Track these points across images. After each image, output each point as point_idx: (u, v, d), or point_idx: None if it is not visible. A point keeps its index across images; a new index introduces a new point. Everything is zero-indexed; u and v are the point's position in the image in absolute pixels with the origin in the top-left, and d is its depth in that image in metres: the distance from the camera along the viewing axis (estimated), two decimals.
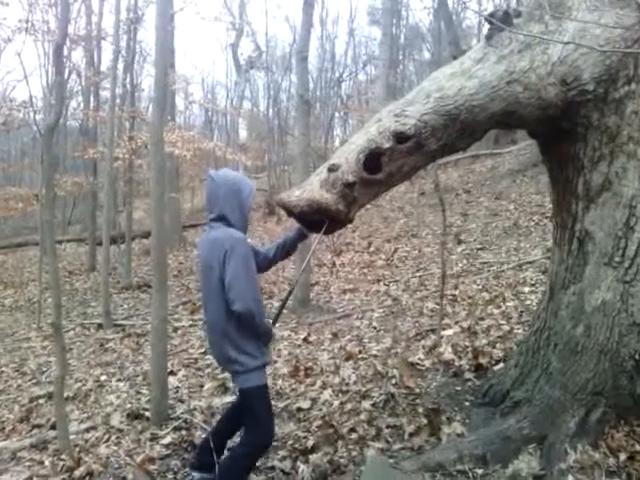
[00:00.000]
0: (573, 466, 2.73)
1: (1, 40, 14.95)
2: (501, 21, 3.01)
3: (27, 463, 4.17)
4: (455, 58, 3.43)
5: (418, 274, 8.98)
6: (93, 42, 15.69)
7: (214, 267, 2.91)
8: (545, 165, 3.69)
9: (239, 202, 3.03)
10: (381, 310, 7.26)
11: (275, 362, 5.71)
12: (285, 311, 8.23)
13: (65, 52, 18.96)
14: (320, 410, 4.24)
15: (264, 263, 3.32)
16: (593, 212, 3.14)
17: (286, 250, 3.35)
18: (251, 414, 3.06)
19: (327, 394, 4.49)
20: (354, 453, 3.50)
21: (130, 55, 14.55)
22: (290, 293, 3.49)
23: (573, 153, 3.17)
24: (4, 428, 5.13)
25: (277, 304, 8.76)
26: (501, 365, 4.23)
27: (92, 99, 17.55)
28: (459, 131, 2.96)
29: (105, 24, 15.38)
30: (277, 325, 3.30)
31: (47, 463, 4.02)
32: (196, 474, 3.34)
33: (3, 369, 7.42)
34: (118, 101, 13.20)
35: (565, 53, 2.95)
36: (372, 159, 2.79)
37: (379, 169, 2.81)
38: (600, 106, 3.02)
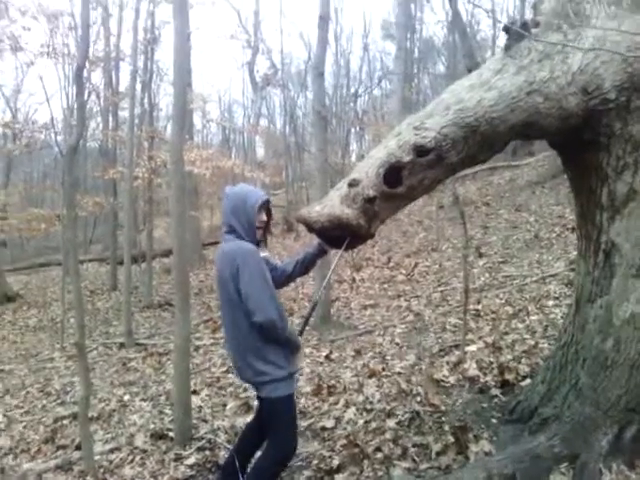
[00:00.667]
0: None
1: (24, 64, 15.28)
2: (519, 31, 2.98)
3: None
4: (470, 71, 3.41)
5: (440, 289, 8.89)
6: (111, 63, 15.98)
7: (228, 280, 2.91)
8: (567, 176, 3.64)
9: (244, 212, 3.02)
10: (403, 326, 7.18)
11: (297, 380, 5.67)
12: (307, 328, 8.22)
13: (85, 74, 19.30)
14: (344, 429, 4.19)
15: (282, 278, 3.29)
16: (619, 223, 3.07)
17: (305, 266, 3.32)
18: (276, 425, 3.02)
19: (351, 412, 4.43)
20: (380, 473, 3.44)
21: (148, 75, 14.78)
22: (315, 306, 3.45)
23: (596, 163, 3.11)
24: (30, 449, 5.15)
25: (298, 321, 8.73)
26: (528, 381, 4.14)
27: (111, 119, 17.81)
28: (479, 143, 2.92)
29: (123, 45, 15.68)
30: (302, 336, 3.24)
31: None
32: None
33: (28, 389, 7.47)
34: (137, 121, 13.38)
35: (586, 62, 2.91)
36: (392, 173, 2.76)
37: (400, 183, 2.78)
38: (623, 115, 2.97)
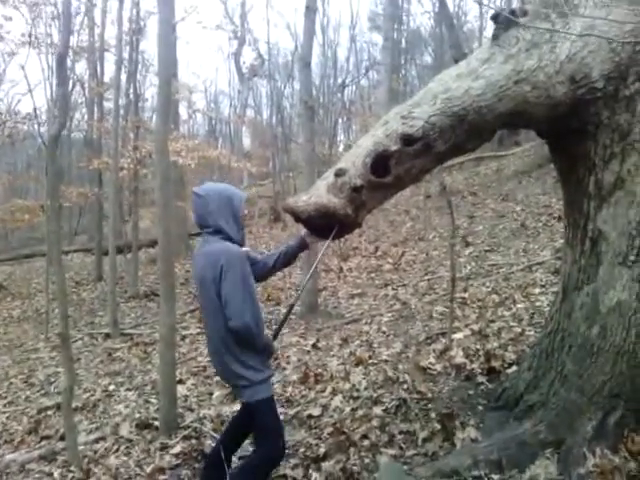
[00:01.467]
0: (592, 471, 2.68)
1: (5, 54, 15.06)
2: (507, 20, 2.98)
3: (36, 475, 4.17)
4: (457, 61, 3.40)
5: (426, 277, 8.92)
6: (96, 54, 15.78)
7: (210, 282, 2.87)
8: (555, 165, 3.65)
9: (232, 211, 3.00)
10: (390, 314, 7.20)
11: (284, 369, 5.68)
12: (293, 317, 8.22)
13: (69, 64, 19.06)
14: (331, 417, 4.20)
15: (263, 271, 3.28)
16: (606, 211, 3.09)
17: (287, 259, 3.31)
18: (261, 428, 3.03)
19: (338, 400, 4.44)
20: (367, 460, 3.46)
21: (133, 65, 14.60)
22: (291, 309, 3.39)
23: (584, 152, 3.12)
24: (13, 440, 5.12)
25: (284, 310, 8.73)
26: (514, 368, 4.17)
27: (96, 110, 17.59)
28: (467, 132, 2.92)
29: (107, 35, 15.47)
30: (277, 340, 3.25)
31: (56, 475, 4.01)
32: None
33: (12, 380, 7.42)
34: (122, 112, 13.24)
35: (574, 50, 2.91)
36: (380, 162, 2.75)
37: (387, 172, 2.77)
38: (610, 104, 2.97)
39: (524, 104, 2.93)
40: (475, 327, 5.53)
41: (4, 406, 6.33)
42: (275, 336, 3.22)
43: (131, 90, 14.80)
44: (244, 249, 3.12)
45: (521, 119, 3.05)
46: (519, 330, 5.21)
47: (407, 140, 2.76)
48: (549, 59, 2.91)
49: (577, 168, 3.22)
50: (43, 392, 6.64)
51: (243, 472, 3.04)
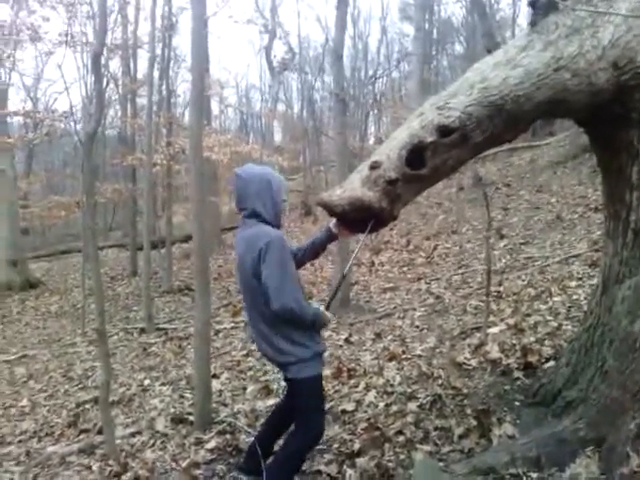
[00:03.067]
0: (637, 471, 2.59)
1: (43, 54, 15.33)
2: (546, 6, 2.90)
3: (76, 468, 4.21)
4: (489, 51, 3.32)
5: (460, 271, 8.82)
6: (129, 50, 15.96)
7: (250, 264, 2.88)
8: (595, 154, 3.54)
9: (270, 196, 2.98)
10: (423, 309, 7.14)
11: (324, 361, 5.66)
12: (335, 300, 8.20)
13: (103, 61, 19.33)
14: (365, 412, 4.17)
15: (298, 260, 3.25)
16: None
17: (315, 251, 3.29)
18: (304, 406, 3.01)
19: (371, 396, 4.41)
20: (402, 456, 3.42)
21: (165, 62, 14.72)
22: (343, 279, 3.43)
23: (626, 140, 3.01)
24: (53, 433, 5.23)
25: (316, 305, 8.71)
26: (551, 363, 4.08)
27: (129, 107, 17.82)
28: (505, 122, 2.84)
29: (140, 32, 15.64)
30: (329, 309, 3.20)
31: (95, 468, 4.06)
32: (244, 477, 3.30)
33: (51, 374, 7.58)
34: (155, 108, 13.37)
35: (617, 35, 2.80)
36: (415, 154, 2.70)
37: (423, 164, 2.72)
38: None
39: (564, 92, 2.84)
40: (511, 321, 5.42)
41: (45, 399, 6.48)
42: (327, 307, 3.15)
43: (164, 86, 14.92)
44: None
45: (561, 108, 2.96)
46: (556, 324, 5.09)
47: (443, 131, 2.70)
48: (591, 45, 2.82)
49: (619, 157, 3.11)
50: (81, 386, 6.77)
51: (282, 454, 3.04)
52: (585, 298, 5.52)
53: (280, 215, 3.07)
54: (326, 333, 6.83)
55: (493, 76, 2.83)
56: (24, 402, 6.41)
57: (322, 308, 3.04)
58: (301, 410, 3.03)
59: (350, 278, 8.87)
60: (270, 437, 3.35)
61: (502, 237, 9.91)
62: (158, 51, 14.40)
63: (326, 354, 5.80)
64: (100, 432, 4.67)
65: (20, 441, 5.16)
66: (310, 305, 2.96)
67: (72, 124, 16.39)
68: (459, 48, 30.23)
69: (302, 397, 3.01)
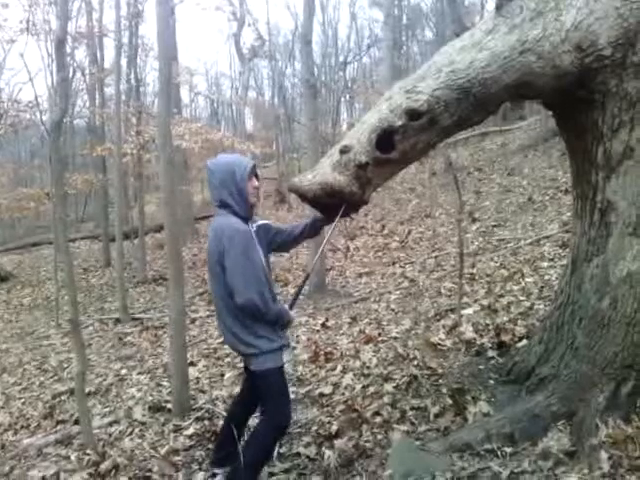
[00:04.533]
0: (605, 441, 2.67)
1: (4, 42, 14.96)
2: None
3: (53, 459, 4.18)
4: (459, 36, 3.33)
5: (434, 255, 8.92)
6: (95, 39, 15.67)
7: (215, 256, 2.89)
8: (562, 136, 3.61)
9: (235, 184, 2.95)
10: (398, 292, 7.21)
11: (294, 348, 5.69)
12: (302, 297, 8.24)
13: (68, 50, 18.95)
14: (342, 395, 4.21)
15: (288, 240, 3.27)
16: (615, 181, 3.05)
17: (314, 230, 3.25)
18: (268, 397, 3.04)
19: (348, 378, 4.45)
20: (379, 437, 3.46)
21: (133, 50, 14.50)
22: (306, 279, 3.44)
23: (591, 122, 3.07)
24: (29, 425, 5.18)
25: (293, 291, 8.75)
26: (524, 342, 4.16)
27: (97, 96, 17.53)
28: (473, 105, 2.88)
29: (106, 20, 15.35)
30: (294, 310, 3.25)
31: (73, 458, 4.03)
32: (218, 470, 3.31)
33: (25, 367, 7.49)
34: (123, 97, 13.19)
35: (580, 18, 2.84)
36: (385, 138, 2.73)
37: (392, 148, 2.74)
38: (618, 72, 2.91)
39: (530, 75, 2.88)
40: (484, 302, 5.52)
41: (19, 392, 6.40)
42: (291, 306, 3.19)
43: (132, 75, 14.72)
44: (262, 222, 3.15)
45: (527, 90, 3.00)
46: (528, 304, 5.20)
47: (412, 115, 2.73)
48: (554, 28, 2.86)
49: (585, 138, 3.17)
50: (56, 378, 6.70)
51: (252, 443, 3.05)
52: (556, 278, 5.63)
53: (248, 203, 3.02)
54: (303, 318, 6.87)
55: (460, 59, 2.86)
56: None
57: (286, 306, 3.09)
58: (265, 400, 3.07)
59: (326, 264, 8.90)
60: (238, 422, 3.33)
61: (474, 220, 10.03)
62: (125, 39, 14.20)
63: (304, 338, 5.93)
64: (77, 423, 4.63)
65: None
66: (275, 303, 2.99)
67: (38, 114, 16.04)
68: (429, 34, 30.32)
69: (265, 388, 3.04)
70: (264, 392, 3.05)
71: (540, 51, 2.85)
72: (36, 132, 25.37)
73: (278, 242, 3.23)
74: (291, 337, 6.11)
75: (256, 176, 3.11)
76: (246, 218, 3.00)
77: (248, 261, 2.83)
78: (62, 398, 5.74)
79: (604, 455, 2.58)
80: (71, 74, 21.49)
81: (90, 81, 18.35)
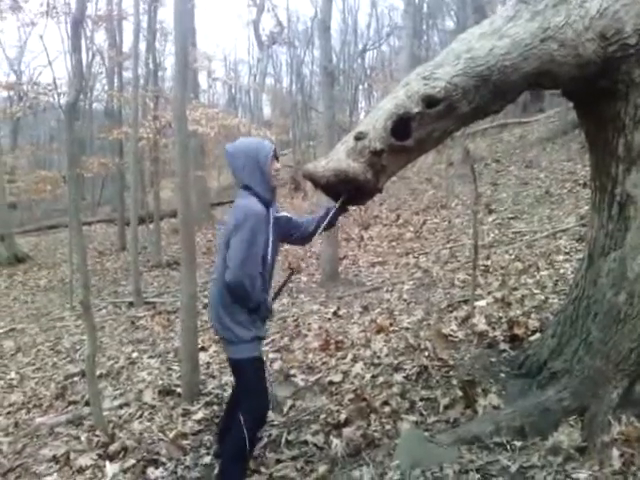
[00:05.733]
0: (617, 438, 2.63)
1: (25, 25, 15.03)
2: None
3: (64, 438, 4.24)
4: None
5: (448, 245, 8.85)
6: (114, 22, 15.69)
7: (226, 233, 2.94)
8: (582, 127, 3.54)
9: (258, 167, 2.98)
10: (411, 282, 7.16)
11: (305, 336, 5.69)
12: (314, 285, 8.23)
13: (88, 34, 19.03)
14: (352, 383, 4.20)
15: (304, 235, 3.27)
16: (635, 174, 2.98)
17: (330, 222, 3.19)
18: (242, 386, 3.07)
19: (358, 367, 4.44)
20: (388, 427, 3.45)
21: (151, 34, 14.47)
22: (291, 274, 3.39)
23: (613, 113, 3.00)
24: (42, 404, 5.25)
25: (305, 278, 8.75)
26: (537, 335, 4.11)
27: (116, 80, 17.59)
28: (491, 93, 2.82)
29: (125, 4, 15.36)
30: (275, 301, 3.26)
31: (83, 438, 4.09)
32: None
33: (39, 348, 7.56)
34: (142, 81, 13.18)
35: (605, 5, 2.77)
36: (401, 125, 2.67)
37: (408, 135, 2.69)
38: None
39: (551, 63, 2.81)
40: (498, 295, 5.46)
41: (33, 372, 6.48)
42: (274, 298, 3.21)
43: (150, 59, 14.70)
44: (282, 214, 3.16)
45: (547, 79, 2.93)
46: (542, 297, 5.13)
47: (429, 101, 2.68)
48: (578, 15, 2.78)
49: (606, 130, 3.10)
50: (69, 359, 6.76)
51: (230, 437, 3.04)
52: (572, 272, 5.55)
53: (271, 185, 3.05)
54: (314, 306, 6.87)
55: (479, 46, 2.80)
56: (12, 375, 6.41)
57: (269, 299, 3.09)
58: (241, 391, 3.10)
59: (339, 253, 8.87)
60: (230, 419, 3.33)
61: (491, 212, 9.93)
62: (144, 24, 14.17)
63: (315, 326, 5.92)
64: (88, 404, 4.68)
65: (9, 412, 5.18)
66: (263, 293, 3.00)
67: (56, 97, 16.12)
68: (450, 23, 29.95)
69: (241, 377, 3.07)
70: (239, 382, 3.11)
71: (562, 39, 2.78)
72: (55, 115, 25.55)
73: (294, 237, 3.26)
74: (302, 325, 6.11)
75: (276, 158, 3.12)
76: (268, 201, 3.02)
77: (252, 243, 2.86)
78: (74, 379, 5.80)
79: (616, 452, 2.54)
80: (90, 58, 21.63)
81: (109, 65, 18.41)
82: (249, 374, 3.01)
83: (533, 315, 4.66)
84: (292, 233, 3.22)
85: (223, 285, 2.92)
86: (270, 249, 3.00)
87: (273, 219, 3.07)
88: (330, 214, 3.13)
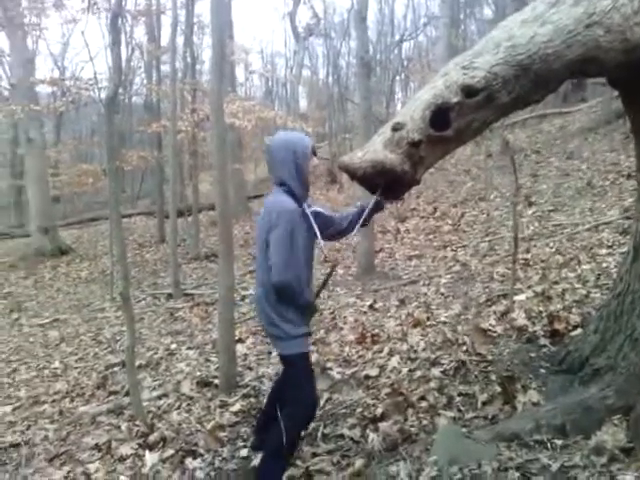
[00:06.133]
0: None
1: (68, 21, 15.31)
2: None
3: (106, 427, 4.34)
4: None
5: (487, 238, 8.70)
6: (153, 17, 15.87)
7: (262, 233, 2.95)
8: (628, 116, 3.42)
9: (295, 164, 2.98)
10: (449, 276, 7.08)
11: (341, 329, 5.68)
12: (350, 278, 8.20)
13: (127, 28, 19.30)
14: (388, 378, 4.17)
15: (337, 232, 3.25)
16: None
17: (366, 217, 3.18)
18: (292, 382, 3.06)
19: (395, 361, 4.41)
20: (425, 422, 3.42)
21: (189, 28, 14.58)
22: (333, 269, 3.38)
23: None
24: (84, 393, 5.37)
25: (341, 271, 8.72)
26: (579, 331, 4.01)
27: (154, 74, 17.79)
28: (532, 82, 2.73)
29: None
30: (319, 298, 3.25)
31: (123, 428, 4.17)
32: (259, 453, 3.31)
33: (82, 338, 7.74)
34: (180, 75, 13.30)
35: None
36: (439, 115, 2.61)
37: (447, 125, 2.63)
38: None
39: (596, 50, 2.70)
40: (538, 289, 5.34)
41: (76, 362, 6.64)
42: (316, 295, 3.21)
43: (188, 53, 14.82)
44: (316, 208, 3.13)
45: (592, 66, 2.83)
46: (584, 292, 5.00)
47: (468, 91, 2.61)
48: None
49: None
50: (110, 349, 6.90)
51: (275, 433, 2.99)
52: (615, 266, 5.40)
53: (307, 182, 3.06)
54: (350, 299, 6.84)
55: (520, 34, 2.71)
56: (56, 364, 6.59)
57: (313, 296, 3.12)
58: (290, 386, 3.09)
59: (375, 245, 8.81)
60: (274, 408, 3.34)
61: (530, 204, 9.72)
62: (182, 18, 14.30)
63: (351, 319, 5.90)
64: (128, 394, 4.77)
65: (54, 401, 5.33)
66: (308, 289, 3.02)
67: (97, 91, 16.38)
68: (488, 12, 29.37)
69: (291, 373, 3.07)
70: (290, 377, 3.08)
71: (609, 24, 2.67)
72: (96, 109, 26.00)
73: (325, 234, 3.20)
74: (338, 318, 6.11)
75: (315, 154, 3.11)
76: (300, 197, 3.01)
77: (291, 242, 2.85)
78: (115, 369, 5.93)
79: None
80: (130, 52, 21.93)
81: (147, 59, 18.64)
82: (299, 369, 3.02)
83: (574, 310, 4.55)
84: (323, 229, 3.18)
85: (269, 285, 2.91)
86: (309, 244, 3.00)
87: (312, 213, 3.06)
88: (366, 212, 3.10)
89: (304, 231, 2.96)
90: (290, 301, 2.92)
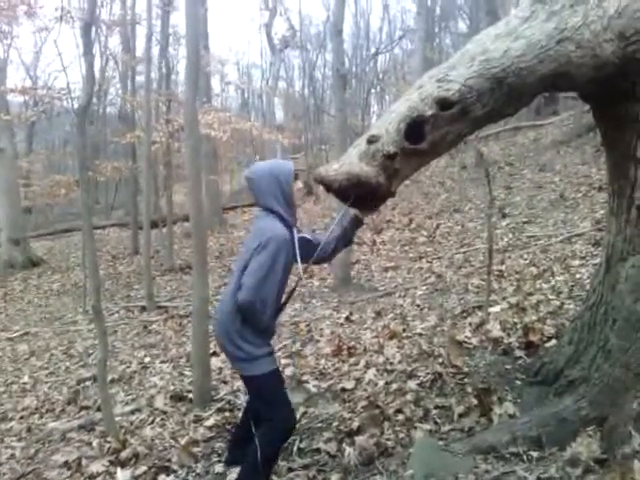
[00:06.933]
0: (638, 450, 2.56)
1: (39, 30, 15.15)
2: None
3: (76, 444, 4.26)
4: None
5: (462, 250, 8.77)
6: (127, 27, 15.80)
7: (246, 251, 2.94)
8: (599, 129, 3.46)
9: (281, 190, 3.00)
10: (424, 288, 7.10)
11: (317, 341, 5.65)
12: (326, 290, 8.19)
13: (101, 38, 19.16)
14: (365, 390, 4.14)
15: (323, 256, 3.22)
16: None
17: (347, 240, 3.24)
18: (263, 401, 2.99)
19: (371, 374, 4.38)
20: (401, 435, 3.39)
21: (164, 39, 14.54)
22: (297, 283, 3.31)
23: (632, 115, 2.93)
24: (54, 409, 5.27)
25: (317, 283, 8.70)
26: (553, 342, 4.04)
27: (129, 84, 17.69)
28: (506, 95, 2.75)
29: (138, 9, 15.46)
30: (279, 315, 3.20)
31: (95, 444, 4.08)
32: (232, 469, 3.29)
33: (53, 352, 7.60)
34: (155, 85, 13.22)
35: (624, 3, 2.69)
36: (414, 128, 2.62)
37: (422, 138, 2.64)
38: None
39: (567, 65, 2.74)
40: (512, 300, 5.38)
41: (46, 376, 6.51)
42: (280, 310, 3.15)
43: (163, 64, 14.77)
44: (304, 235, 3.14)
45: (564, 81, 2.86)
46: (558, 303, 5.05)
47: (443, 104, 2.62)
48: (596, 14, 2.72)
49: (624, 132, 3.03)
50: (82, 363, 6.78)
51: (253, 452, 2.92)
52: (588, 277, 5.47)
53: (294, 207, 3.08)
54: (327, 311, 6.83)
55: (494, 48, 2.74)
56: (26, 379, 6.45)
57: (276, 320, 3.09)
58: (261, 405, 3.02)
59: (351, 257, 8.81)
60: (248, 426, 3.27)
61: (505, 216, 9.84)
62: (157, 29, 14.26)
63: (327, 332, 5.87)
64: (100, 409, 4.67)
65: (22, 417, 5.21)
66: (271, 318, 2.99)
67: (70, 101, 16.23)
68: (463, 26, 29.84)
69: (259, 394, 3.01)
70: (261, 398, 3.01)
71: (580, 40, 2.71)
72: (69, 119, 25.73)
73: (313, 259, 3.16)
74: (314, 330, 6.08)
75: (296, 178, 3.13)
76: (291, 223, 3.03)
77: (271, 267, 2.85)
78: (86, 384, 5.83)
79: (637, 465, 2.45)
80: (104, 62, 21.77)
81: (122, 69, 18.52)
82: (266, 389, 2.97)
83: (549, 321, 4.59)
84: (311, 255, 3.15)
85: (234, 305, 2.88)
86: (288, 267, 2.99)
87: (298, 241, 3.06)
88: (345, 226, 3.15)
89: (287, 256, 2.95)
90: (250, 322, 2.88)
